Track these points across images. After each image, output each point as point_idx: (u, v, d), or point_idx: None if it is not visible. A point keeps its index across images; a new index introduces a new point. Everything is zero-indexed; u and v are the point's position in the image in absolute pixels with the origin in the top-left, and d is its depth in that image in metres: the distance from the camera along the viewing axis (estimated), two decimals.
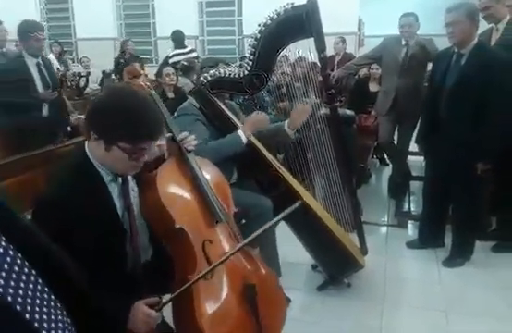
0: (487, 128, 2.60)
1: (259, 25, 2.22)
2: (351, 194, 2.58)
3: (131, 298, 1.42)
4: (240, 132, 2.36)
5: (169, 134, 1.72)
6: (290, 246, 2.58)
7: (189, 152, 1.71)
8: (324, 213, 2.55)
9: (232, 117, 2.50)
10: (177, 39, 6.44)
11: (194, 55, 6.34)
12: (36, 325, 0.90)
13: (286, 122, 2.54)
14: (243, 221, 2.29)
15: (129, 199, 1.55)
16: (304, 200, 2.33)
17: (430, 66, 3.44)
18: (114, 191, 1.52)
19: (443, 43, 3.04)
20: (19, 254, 0.93)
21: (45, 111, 3.64)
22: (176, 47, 6.41)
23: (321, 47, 2.23)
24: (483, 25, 3.09)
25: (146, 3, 8.96)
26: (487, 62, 2.58)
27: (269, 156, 2.47)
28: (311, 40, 2.22)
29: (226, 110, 2.49)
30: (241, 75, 2.31)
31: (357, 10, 7.55)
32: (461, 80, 2.65)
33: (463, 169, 2.74)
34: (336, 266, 2.56)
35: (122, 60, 6.69)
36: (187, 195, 1.64)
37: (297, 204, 1.56)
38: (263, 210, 2.33)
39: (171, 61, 6.10)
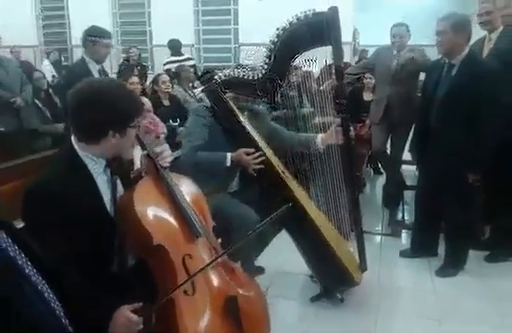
0: (477, 138, 2.62)
1: (277, 29, 2.19)
2: (353, 203, 2.51)
3: (118, 299, 1.42)
4: (228, 156, 2.36)
5: (145, 151, 1.72)
6: (288, 255, 2.57)
7: (165, 168, 1.70)
8: (325, 222, 2.52)
9: (244, 120, 2.47)
10: (174, 47, 6.48)
11: (190, 63, 6.35)
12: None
13: (319, 136, 2.53)
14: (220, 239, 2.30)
15: (116, 192, 1.61)
16: (302, 205, 2.33)
17: (423, 75, 3.47)
18: (102, 185, 1.57)
19: (435, 53, 3.08)
20: None
21: None
22: (172, 55, 6.44)
23: (339, 56, 2.18)
24: (479, 33, 3.14)
25: (142, 10, 9.00)
26: (478, 73, 2.61)
27: (275, 161, 2.46)
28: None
29: (239, 112, 2.48)
30: (255, 77, 2.29)
31: (351, 20, 7.62)
32: (452, 90, 2.68)
33: (455, 179, 2.75)
34: (331, 279, 2.52)
35: (123, 67, 6.74)
36: (164, 212, 1.63)
37: (283, 208, 1.56)
38: (247, 222, 2.30)
39: (165, 68, 6.16)
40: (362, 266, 2.58)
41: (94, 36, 3.46)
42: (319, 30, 2.13)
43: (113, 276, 1.58)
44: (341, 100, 2.30)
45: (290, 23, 2.16)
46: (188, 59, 6.47)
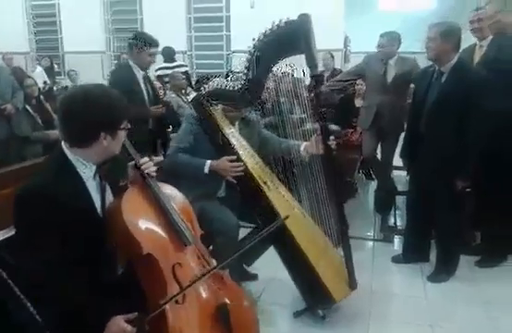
0: (465, 145, 2.64)
1: (253, 39, 2.23)
2: (339, 212, 2.46)
3: (111, 305, 1.44)
4: (207, 164, 2.43)
5: (132, 162, 1.73)
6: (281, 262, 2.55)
7: (152, 177, 1.70)
8: (311, 231, 2.51)
9: (228, 132, 2.53)
10: (167, 54, 6.51)
11: (182, 69, 6.36)
12: None
13: (303, 145, 2.55)
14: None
15: (106, 197, 1.63)
16: (283, 218, 2.33)
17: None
18: (92, 189, 1.59)
19: (426, 60, 3.11)
20: None
21: (151, 124, 3.60)
22: (165, 62, 6.47)
23: (311, 63, 2.19)
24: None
25: (134, 17, 9.01)
26: (467, 81, 2.64)
27: (256, 171, 2.48)
28: (302, 56, 2.18)
29: (225, 123, 2.55)
30: (235, 88, 2.33)
31: (342, 27, 7.67)
32: (441, 97, 2.71)
33: (445, 185, 2.77)
34: (310, 297, 2.48)
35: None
36: (153, 221, 1.63)
37: (278, 222, 1.59)
38: (227, 226, 2.39)
39: (156, 74, 6.18)
40: (352, 284, 2.50)
41: (141, 44, 3.35)
42: (290, 38, 2.16)
43: (105, 282, 1.58)
44: (320, 108, 2.31)
45: (264, 33, 2.19)
46: (180, 66, 6.48)
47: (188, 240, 1.67)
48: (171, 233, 1.65)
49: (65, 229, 1.42)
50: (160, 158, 2.57)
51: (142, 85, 3.48)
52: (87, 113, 1.49)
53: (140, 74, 3.46)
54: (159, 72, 6.24)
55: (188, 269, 1.62)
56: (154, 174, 1.72)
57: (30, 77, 4.80)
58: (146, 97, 3.49)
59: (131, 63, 3.44)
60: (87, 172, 1.57)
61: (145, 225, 1.60)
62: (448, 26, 2.72)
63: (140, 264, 1.56)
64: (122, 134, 1.60)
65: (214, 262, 1.73)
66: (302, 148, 2.55)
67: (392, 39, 3.75)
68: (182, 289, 1.50)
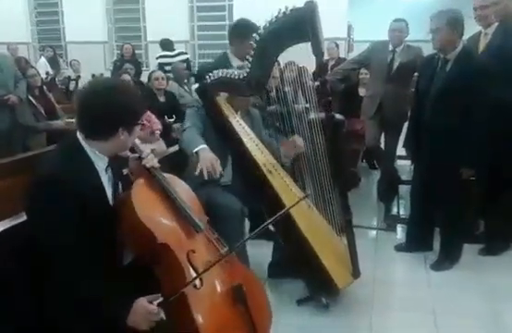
0: (470, 134, 2.63)
1: (259, 27, 2.22)
2: (342, 202, 2.47)
3: (130, 292, 1.47)
4: (199, 148, 2.27)
5: (136, 155, 1.74)
6: None
7: (155, 169, 1.71)
8: (315, 220, 2.52)
9: (234, 121, 2.51)
10: (165, 45, 6.51)
11: (183, 57, 6.35)
12: None
13: (282, 151, 2.55)
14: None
15: (118, 190, 1.66)
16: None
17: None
18: (104, 179, 1.60)
19: (430, 49, 3.08)
20: None
21: None
22: (164, 50, 6.48)
23: (317, 52, 2.15)
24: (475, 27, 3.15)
25: (137, 7, 8.97)
26: (472, 68, 2.62)
27: (261, 160, 2.48)
28: (308, 44, 2.15)
29: (231, 114, 2.53)
30: (241, 77, 2.31)
31: (346, 15, 7.61)
32: (446, 85, 2.69)
33: (449, 173, 2.77)
34: (313, 282, 2.50)
35: (118, 63, 6.75)
36: (163, 210, 1.66)
37: (288, 208, 1.62)
38: (231, 211, 2.39)
39: (157, 62, 6.21)
40: (355, 272, 2.50)
41: (250, 39, 2.71)
42: (296, 26, 2.13)
43: (119, 269, 1.62)
44: (325, 97, 2.30)
45: (270, 21, 2.17)
46: (181, 54, 6.47)
47: (200, 227, 1.70)
48: (181, 221, 1.68)
49: (78, 217, 1.44)
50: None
51: None
52: (109, 108, 1.51)
53: (236, 64, 2.86)
54: (160, 60, 6.24)
55: (202, 255, 1.66)
56: (158, 165, 1.73)
57: (32, 67, 4.80)
58: None
59: (229, 53, 3.00)
60: (100, 164, 1.59)
61: (157, 215, 1.63)
62: (451, 14, 2.69)
63: (155, 254, 1.58)
64: (137, 130, 1.62)
65: (225, 247, 1.75)
66: (282, 154, 2.57)
67: (405, 25, 3.74)
68: (200, 273, 1.54)
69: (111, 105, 1.51)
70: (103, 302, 1.43)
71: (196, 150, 2.27)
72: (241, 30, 2.85)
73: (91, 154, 1.56)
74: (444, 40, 2.67)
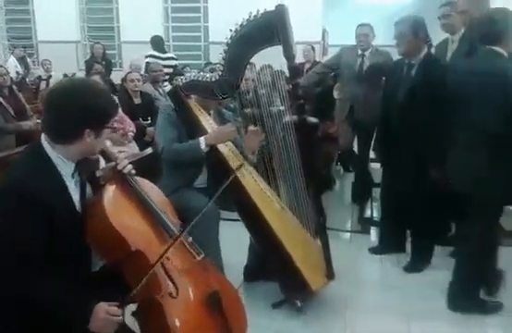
0: (437, 136, 2.65)
1: (230, 30, 2.21)
2: (316, 204, 2.49)
3: (93, 296, 1.44)
4: (202, 140, 2.39)
5: (112, 163, 1.69)
6: None
7: (130, 174, 1.68)
8: (288, 223, 2.52)
9: (206, 123, 2.52)
10: (156, 43, 6.38)
11: (170, 63, 6.21)
12: None
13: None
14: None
15: (85, 195, 1.61)
16: (255, 204, 2.38)
17: None
18: (71, 186, 1.55)
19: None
20: None
21: None
22: (155, 50, 6.33)
23: (288, 55, 2.17)
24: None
25: (110, 6, 8.85)
26: (436, 72, 2.66)
27: (230, 159, 2.47)
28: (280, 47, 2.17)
29: (202, 116, 2.53)
30: (213, 79, 2.32)
31: (321, 20, 7.68)
32: (412, 89, 2.74)
33: (418, 176, 2.79)
34: (287, 285, 2.48)
35: (88, 63, 6.62)
36: (136, 216, 1.63)
37: (230, 179, 1.69)
38: (205, 214, 2.35)
39: (146, 60, 6.10)
40: (329, 274, 2.52)
41: None
42: (266, 29, 2.14)
43: (82, 278, 1.57)
44: (297, 100, 2.32)
45: (241, 24, 2.18)
46: (171, 59, 6.36)
47: (174, 232, 1.67)
48: (155, 227, 1.66)
49: (42, 226, 1.41)
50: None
51: None
52: (74, 108, 1.45)
53: None
54: (149, 59, 6.10)
55: (176, 260, 1.65)
56: (134, 171, 1.69)
57: (1, 66, 4.67)
58: None
59: None
60: (66, 170, 1.53)
61: (130, 221, 1.60)
62: (414, 20, 2.76)
63: (127, 260, 1.56)
64: (106, 133, 1.56)
65: (199, 252, 1.74)
66: (245, 151, 2.57)
67: (370, 29, 3.80)
68: (162, 254, 1.52)
69: (76, 105, 1.45)
70: (59, 304, 1.40)
71: (203, 146, 2.37)
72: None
73: (56, 161, 1.50)
74: (408, 45, 2.73)
